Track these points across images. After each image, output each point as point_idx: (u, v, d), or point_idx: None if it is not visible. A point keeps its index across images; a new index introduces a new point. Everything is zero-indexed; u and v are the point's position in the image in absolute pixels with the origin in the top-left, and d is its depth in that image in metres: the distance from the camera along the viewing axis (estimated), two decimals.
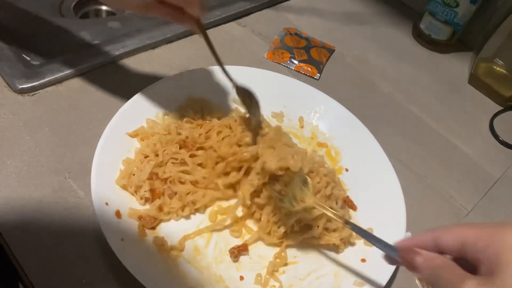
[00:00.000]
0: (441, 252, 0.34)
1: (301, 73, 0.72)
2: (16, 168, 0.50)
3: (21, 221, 0.46)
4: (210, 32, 0.73)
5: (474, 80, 0.79)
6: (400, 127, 0.69)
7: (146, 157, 0.51)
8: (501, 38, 0.75)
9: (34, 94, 0.57)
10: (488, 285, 0.30)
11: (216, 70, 0.64)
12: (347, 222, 0.45)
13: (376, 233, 0.51)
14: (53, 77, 0.58)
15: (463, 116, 0.74)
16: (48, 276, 0.43)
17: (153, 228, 0.48)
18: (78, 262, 0.44)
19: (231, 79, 0.55)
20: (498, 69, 0.78)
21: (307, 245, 0.50)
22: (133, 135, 0.54)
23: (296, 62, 0.72)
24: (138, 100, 0.56)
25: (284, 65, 0.72)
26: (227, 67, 0.64)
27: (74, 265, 0.44)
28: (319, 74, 0.72)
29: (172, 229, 0.48)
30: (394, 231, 0.52)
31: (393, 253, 0.38)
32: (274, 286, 0.46)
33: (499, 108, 0.76)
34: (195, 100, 0.60)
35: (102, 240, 0.44)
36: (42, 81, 0.57)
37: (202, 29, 0.52)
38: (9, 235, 0.45)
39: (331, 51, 0.77)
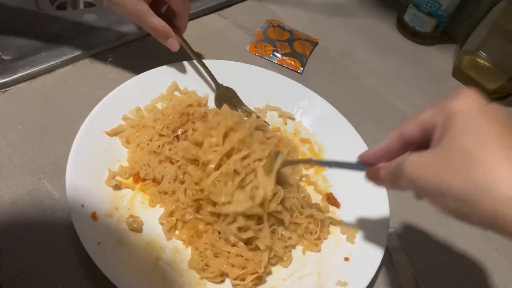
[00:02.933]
0: (409, 144, 0.37)
1: (284, 66, 0.70)
2: None
3: None
4: (190, 24, 0.71)
5: (458, 73, 0.79)
6: (384, 121, 0.68)
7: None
8: (485, 31, 0.75)
9: (6, 90, 0.55)
10: (430, 149, 0.33)
11: (196, 63, 0.62)
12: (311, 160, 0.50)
13: (360, 230, 0.51)
14: (25, 72, 0.56)
15: None
16: (22, 282, 0.41)
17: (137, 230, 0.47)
18: (53, 267, 0.43)
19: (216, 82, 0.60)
20: (482, 61, 0.78)
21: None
22: (112, 133, 0.52)
23: (279, 55, 0.71)
24: (115, 97, 0.54)
25: (267, 59, 0.71)
26: (207, 61, 0.63)
27: (49, 270, 0.42)
28: (302, 68, 0.71)
29: (152, 231, 0.47)
30: (378, 228, 0.51)
31: (362, 169, 0.41)
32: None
33: None
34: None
35: (78, 244, 0.43)
36: (14, 77, 0.55)
37: (186, 42, 0.60)
38: None
39: (314, 43, 0.76)
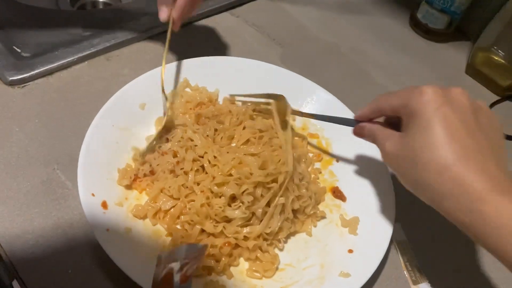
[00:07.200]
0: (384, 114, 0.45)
1: None
2: (5, 159, 0.50)
3: (8, 213, 0.46)
4: (202, 23, 0.73)
5: (472, 70, 0.78)
6: None
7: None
8: (499, 27, 0.74)
9: (24, 86, 0.57)
10: (400, 139, 0.41)
11: (210, 60, 0.63)
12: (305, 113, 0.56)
13: (365, 223, 0.52)
14: (43, 68, 0.58)
15: None
16: (34, 266, 0.43)
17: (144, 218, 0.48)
18: (64, 253, 0.45)
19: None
20: (496, 58, 0.77)
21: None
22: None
23: None
24: (127, 92, 0.55)
25: None
26: (219, 58, 0.64)
27: (60, 256, 0.45)
28: None
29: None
30: (383, 221, 0.51)
31: (351, 124, 0.50)
32: (258, 275, 0.47)
33: (496, 97, 0.75)
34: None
35: (88, 231, 0.45)
36: (32, 72, 0.58)
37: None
38: None
39: None
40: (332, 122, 0.53)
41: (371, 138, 0.47)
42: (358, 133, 0.49)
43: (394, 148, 0.41)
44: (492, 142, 0.38)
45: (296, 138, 0.60)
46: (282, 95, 0.58)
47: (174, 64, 0.61)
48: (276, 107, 0.58)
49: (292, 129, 0.59)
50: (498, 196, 0.35)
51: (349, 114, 0.61)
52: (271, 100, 0.59)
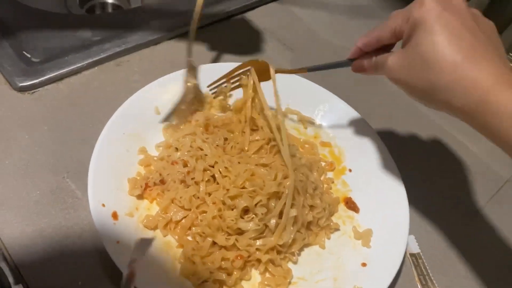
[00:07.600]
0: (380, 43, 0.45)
1: None
2: (15, 166, 0.50)
3: (17, 222, 0.46)
4: (213, 28, 0.72)
5: None
6: (407, 125, 0.67)
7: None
8: None
9: (34, 92, 0.57)
10: (405, 50, 0.42)
11: (221, 66, 0.63)
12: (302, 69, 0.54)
13: (378, 236, 0.51)
14: (53, 74, 0.58)
15: None
16: (43, 277, 0.43)
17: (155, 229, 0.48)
18: (73, 263, 0.44)
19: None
20: (511, 65, 0.75)
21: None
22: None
23: None
24: (137, 99, 0.55)
25: None
26: (229, 64, 0.63)
27: (70, 266, 0.44)
28: None
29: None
30: (397, 234, 0.50)
31: (347, 65, 0.50)
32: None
33: None
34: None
35: (98, 242, 0.44)
36: (42, 78, 0.57)
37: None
38: (5, 236, 0.45)
39: None
40: (328, 69, 0.53)
41: (372, 67, 0.47)
42: (359, 68, 0.49)
43: (400, 58, 0.42)
44: (493, 42, 0.40)
45: (306, 145, 0.59)
46: (262, 60, 0.55)
47: (185, 71, 0.61)
48: (254, 72, 0.56)
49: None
50: (504, 87, 0.36)
51: (360, 120, 0.60)
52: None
